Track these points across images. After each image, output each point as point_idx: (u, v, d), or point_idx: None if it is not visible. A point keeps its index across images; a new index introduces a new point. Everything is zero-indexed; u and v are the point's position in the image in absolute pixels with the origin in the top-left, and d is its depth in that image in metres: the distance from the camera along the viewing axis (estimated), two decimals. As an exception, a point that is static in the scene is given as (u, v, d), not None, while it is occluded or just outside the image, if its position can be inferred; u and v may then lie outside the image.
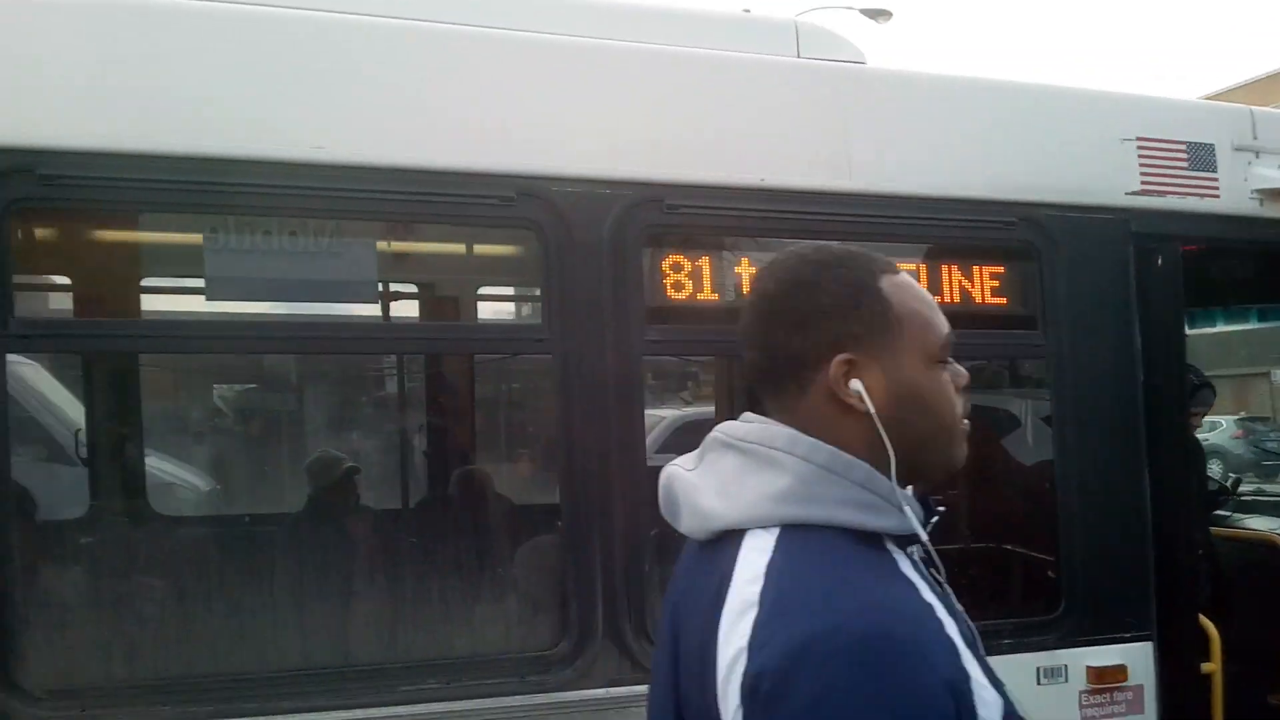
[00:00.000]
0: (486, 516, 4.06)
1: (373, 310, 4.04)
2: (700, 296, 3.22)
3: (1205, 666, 3.60)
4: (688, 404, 10.03)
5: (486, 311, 4.89)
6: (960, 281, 3.43)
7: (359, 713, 2.69)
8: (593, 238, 2.99)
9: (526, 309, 4.90)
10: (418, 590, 3.20)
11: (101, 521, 3.93)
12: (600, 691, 2.92)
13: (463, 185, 2.89)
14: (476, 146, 2.90)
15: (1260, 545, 4.93)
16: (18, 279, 2.65)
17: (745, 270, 3.26)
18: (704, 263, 3.22)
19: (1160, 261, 3.59)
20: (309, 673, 2.84)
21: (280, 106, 2.76)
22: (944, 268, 3.40)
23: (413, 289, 4.65)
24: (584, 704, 2.92)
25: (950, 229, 3.40)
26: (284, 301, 3.24)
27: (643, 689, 2.77)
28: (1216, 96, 18.97)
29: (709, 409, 6.89)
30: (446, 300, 4.70)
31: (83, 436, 4.38)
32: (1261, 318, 6.07)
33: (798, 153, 3.25)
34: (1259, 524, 5.39)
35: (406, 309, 4.67)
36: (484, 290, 4.74)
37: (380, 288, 4.21)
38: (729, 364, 4.75)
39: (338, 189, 2.78)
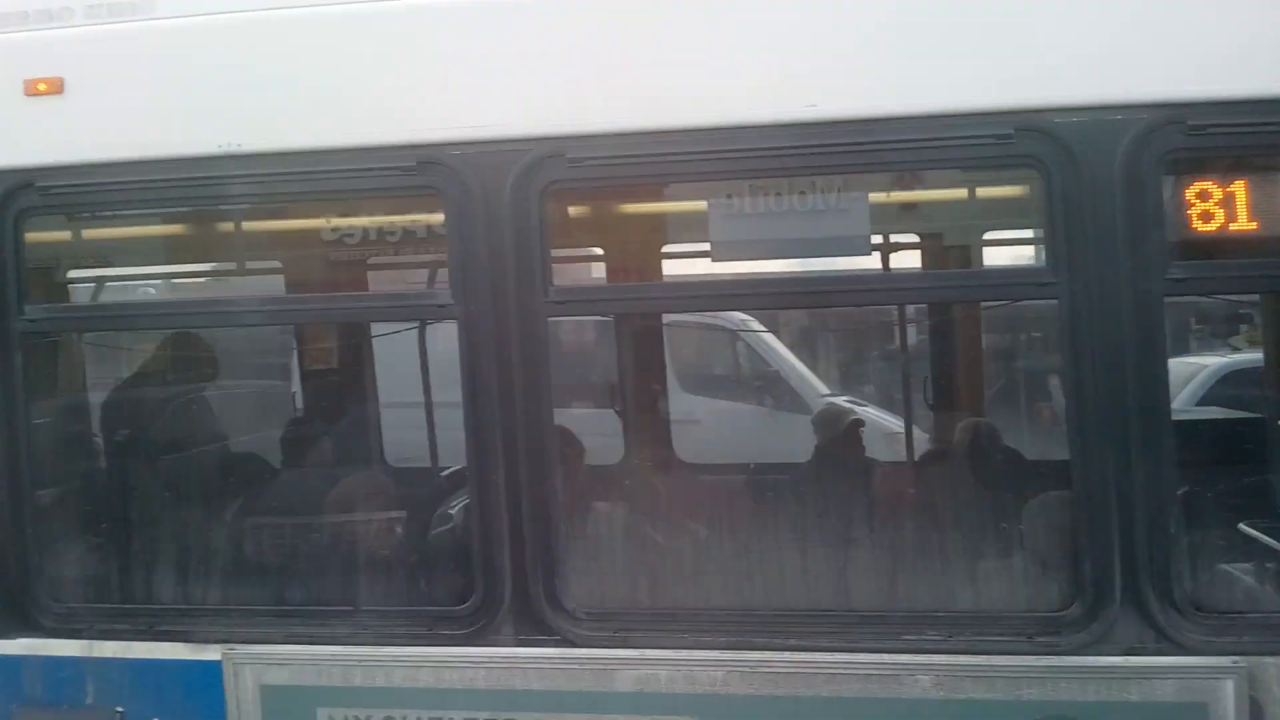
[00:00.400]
0: (993, 470, 3.87)
1: (872, 262, 3.99)
2: (1234, 227, 2.79)
3: None
4: (1235, 350, 8.81)
5: (990, 258, 4.65)
6: None
7: (861, 657, 2.76)
8: (1102, 171, 2.73)
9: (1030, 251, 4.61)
10: (924, 542, 3.19)
11: (633, 467, 4.29)
12: (1117, 660, 2.73)
13: (958, 127, 2.77)
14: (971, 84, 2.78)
15: None
16: (555, 252, 3.01)
17: None
18: (1237, 188, 2.78)
19: None
20: (815, 614, 2.95)
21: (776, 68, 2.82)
22: None
23: (912, 239, 4.52)
24: (1098, 671, 2.73)
25: None
26: (785, 259, 3.31)
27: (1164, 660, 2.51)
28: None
29: (1258, 355, 5.92)
30: (948, 248, 4.51)
31: (616, 390, 4.84)
32: None
33: None
34: None
35: (907, 259, 4.56)
36: (987, 235, 4.49)
37: (880, 239, 4.19)
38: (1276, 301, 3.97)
39: (832, 144, 2.80)
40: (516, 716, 2.85)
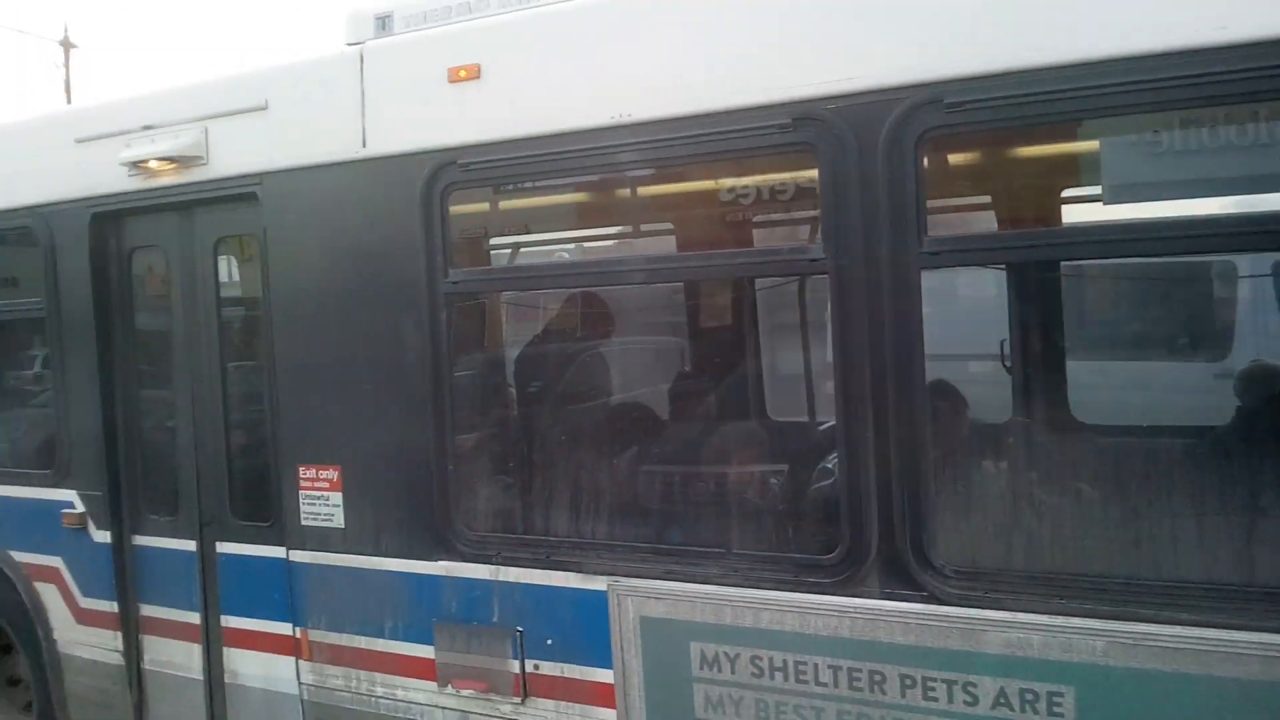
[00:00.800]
0: None
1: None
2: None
3: None
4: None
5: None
6: None
7: (1264, 636, 2.49)
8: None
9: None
10: None
11: (1017, 425, 4.03)
12: None
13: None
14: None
15: None
16: (931, 203, 2.92)
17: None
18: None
19: None
20: (1208, 587, 2.65)
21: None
22: None
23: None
24: None
25: None
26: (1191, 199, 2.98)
27: None
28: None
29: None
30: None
31: (1006, 346, 4.62)
32: None
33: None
34: None
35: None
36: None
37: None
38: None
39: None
40: (880, 668, 2.85)
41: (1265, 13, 2.46)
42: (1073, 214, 3.67)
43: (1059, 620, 2.67)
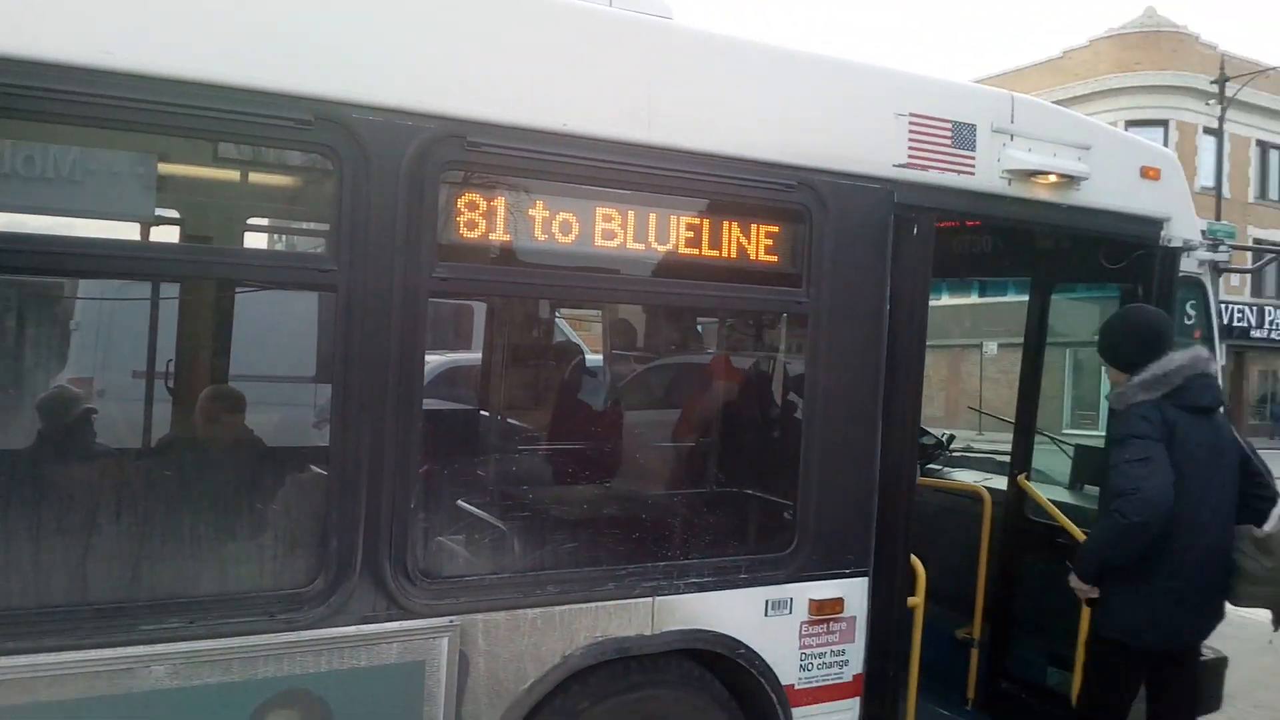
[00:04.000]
0: (243, 453, 3.82)
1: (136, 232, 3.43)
2: (492, 236, 3.22)
3: (911, 601, 4.04)
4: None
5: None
6: (739, 238, 3.60)
7: (91, 654, 2.66)
8: (389, 170, 2.98)
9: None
10: (168, 529, 3.08)
11: None
12: (350, 629, 2.98)
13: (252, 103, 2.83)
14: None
15: (965, 495, 5.50)
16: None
17: (540, 213, 3.27)
18: (499, 203, 3.22)
19: (915, 231, 3.89)
20: (40, 612, 2.70)
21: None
22: (725, 222, 3.58)
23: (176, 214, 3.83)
24: (331, 641, 2.95)
25: (735, 187, 3.56)
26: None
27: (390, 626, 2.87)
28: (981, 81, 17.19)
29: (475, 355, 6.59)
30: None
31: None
32: (982, 292, 6.81)
33: (602, 101, 3.33)
34: (965, 477, 6.05)
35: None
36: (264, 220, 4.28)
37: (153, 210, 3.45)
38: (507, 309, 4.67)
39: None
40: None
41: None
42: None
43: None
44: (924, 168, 3.92)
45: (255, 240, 4.30)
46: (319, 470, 3.17)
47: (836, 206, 3.72)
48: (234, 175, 3.45)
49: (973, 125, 4.03)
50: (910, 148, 3.88)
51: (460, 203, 3.16)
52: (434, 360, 7.57)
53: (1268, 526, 4.04)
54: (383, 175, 2.98)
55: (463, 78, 3.13)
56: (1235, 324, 32.02)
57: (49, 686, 2.61)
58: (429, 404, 3.27)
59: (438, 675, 3.10)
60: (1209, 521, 3.98)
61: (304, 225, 4.09)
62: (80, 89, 2.65)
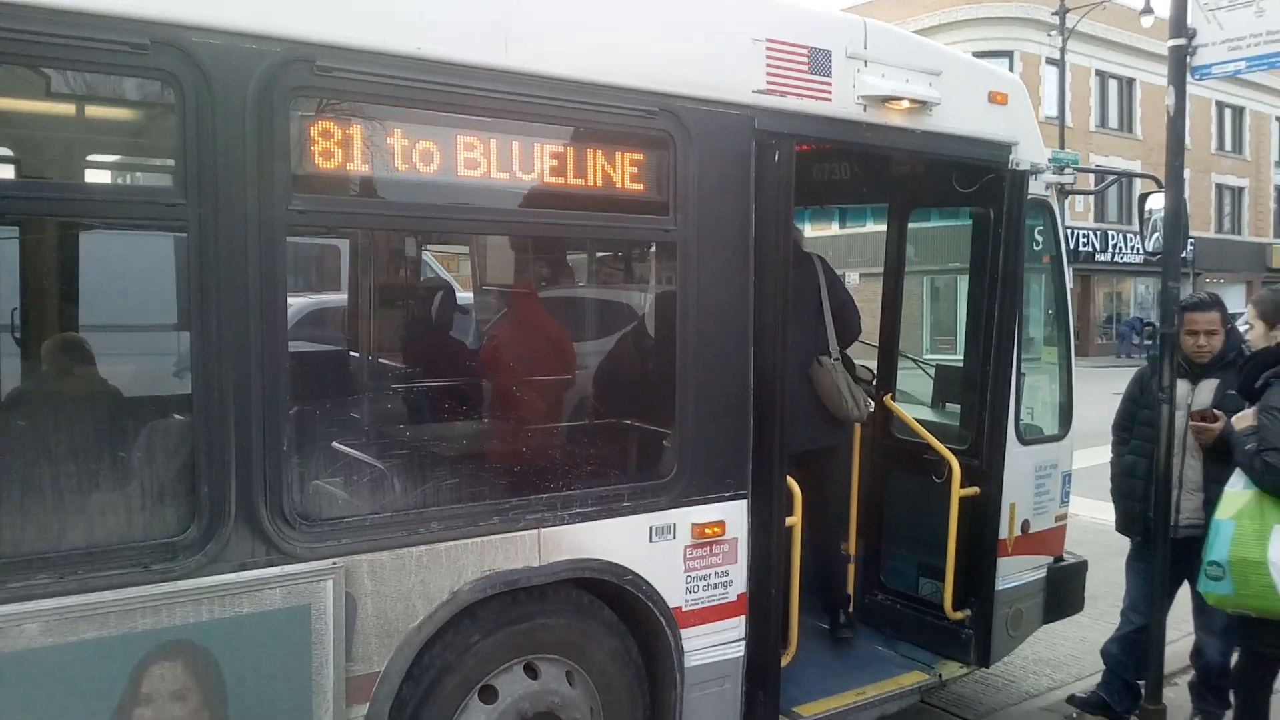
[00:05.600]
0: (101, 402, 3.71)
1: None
2: (350, 167, 3.12)
3: (789, 521, 4.16)
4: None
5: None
6: (603, 166, 3.59)
7: None
8: (235, 97, 2.86)
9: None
10: (29, 480, 2.95)
11: None
12: (230, 576, 2.94)
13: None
14: None
15: None
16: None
17: (399, 142, 3.19)
18: (355, 131, 3.12)
19: (777, 157, 3.93)
20: None
21: None
22: (588, 151, 3.57)
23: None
24: (212, 590, 2.90)
25: (597, 113, 3.56)
26: None
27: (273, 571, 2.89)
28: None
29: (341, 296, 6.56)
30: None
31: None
32: (843, 222, 6.75)
33: (456, 23, 3.26)
34: None
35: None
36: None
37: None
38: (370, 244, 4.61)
39: None
40: None
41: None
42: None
43: None
44: (782, 93, 3.96)
45: (97, 177, 4.03)
46: (184, 417, 3.08)
47: (699, 133, 3.74)
48: (70, 107, 3.19)
49: (828, 51, 4.09)
50: (769, 73, 3.92)
51: (314, 131, 3.04)
52: (300, 302, 7.46)
53: None
54: (228, 102, 2.84)
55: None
56: (1081, 248, 33.75)
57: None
58: (297, 345, 3.19)
59: (324, 618, 3.07)
60: None
61: (149, 161, 3.80)
62: None
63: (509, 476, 3.76)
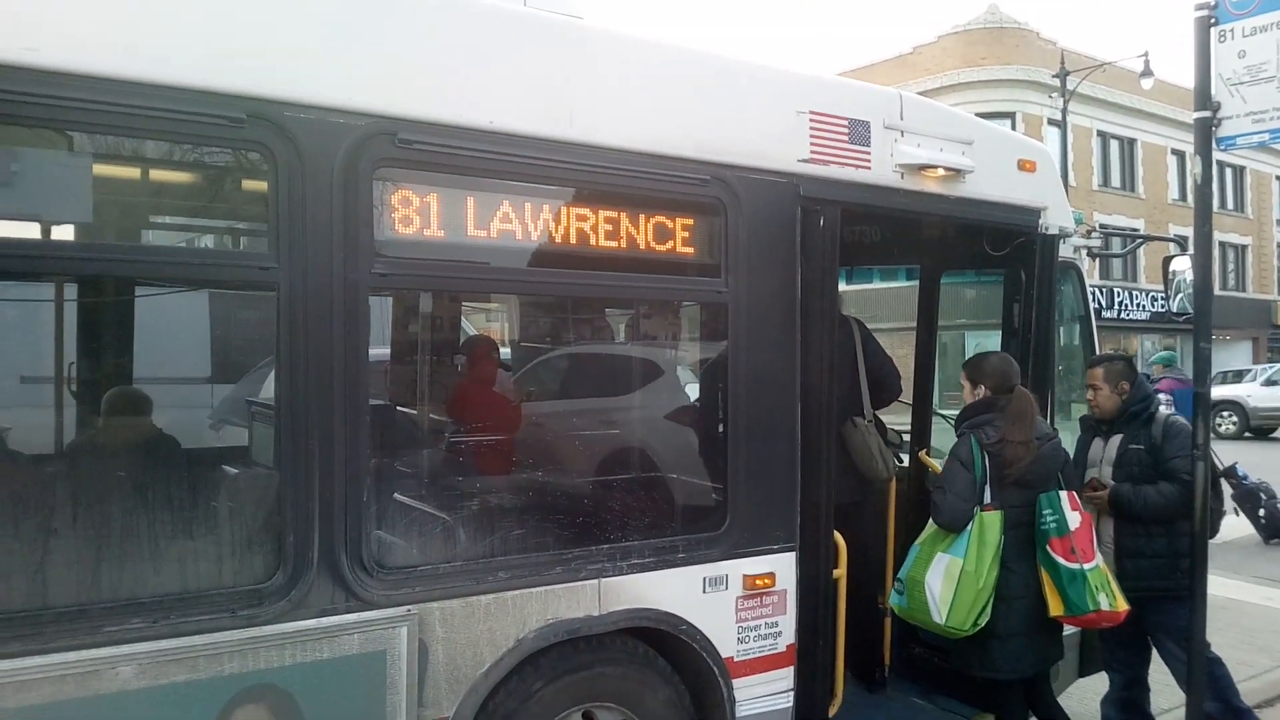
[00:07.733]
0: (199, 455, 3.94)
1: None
2: (427, 232, 3.33)
3: (835, 573, 4.33)
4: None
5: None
6: (660, 230, 3.81)
7: (54, 658, 2.68)
8: (324, 167, 3.05)
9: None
10: (125, 530, 3.11)
11: None
12: (311, 622, 3.07)
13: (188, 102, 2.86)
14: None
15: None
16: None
17: (470, 208, 3.41)
18: (432, 199, 3.34)
19: (822, 222, 4.14)
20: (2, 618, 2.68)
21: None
22: (646, 217, 3.77)
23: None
24: (294, 635, 3.02)
25: (654, 181, 3.76)
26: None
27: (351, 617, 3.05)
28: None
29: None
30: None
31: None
32: (882, 278, 7.31)
33: (524, 100, 3.46)
34: None
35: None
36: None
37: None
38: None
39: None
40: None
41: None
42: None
43: None
44: (825, 162, 4.17)
45: (194, 240, 4.29)
46: (272, 468, 3.19)
47: (749, 199, 3.94)
48: (174, 175, 3.44)
49: (867, 122, 4.30)
50: (812, 143, 4.13)
51: (394, 199, 3.24)
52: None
53: None
54: (317, 172, 3.03)
55: (392, 76, 3.21)
56: (1087, 306, 33.77)
57: (16, 692, 2.62)
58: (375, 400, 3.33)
59: (399, 664, 3.18)
60: None
61: (242, 226, 4.04)
62: (9, 88, 2.64)
63: (571, 528, 3.87)
